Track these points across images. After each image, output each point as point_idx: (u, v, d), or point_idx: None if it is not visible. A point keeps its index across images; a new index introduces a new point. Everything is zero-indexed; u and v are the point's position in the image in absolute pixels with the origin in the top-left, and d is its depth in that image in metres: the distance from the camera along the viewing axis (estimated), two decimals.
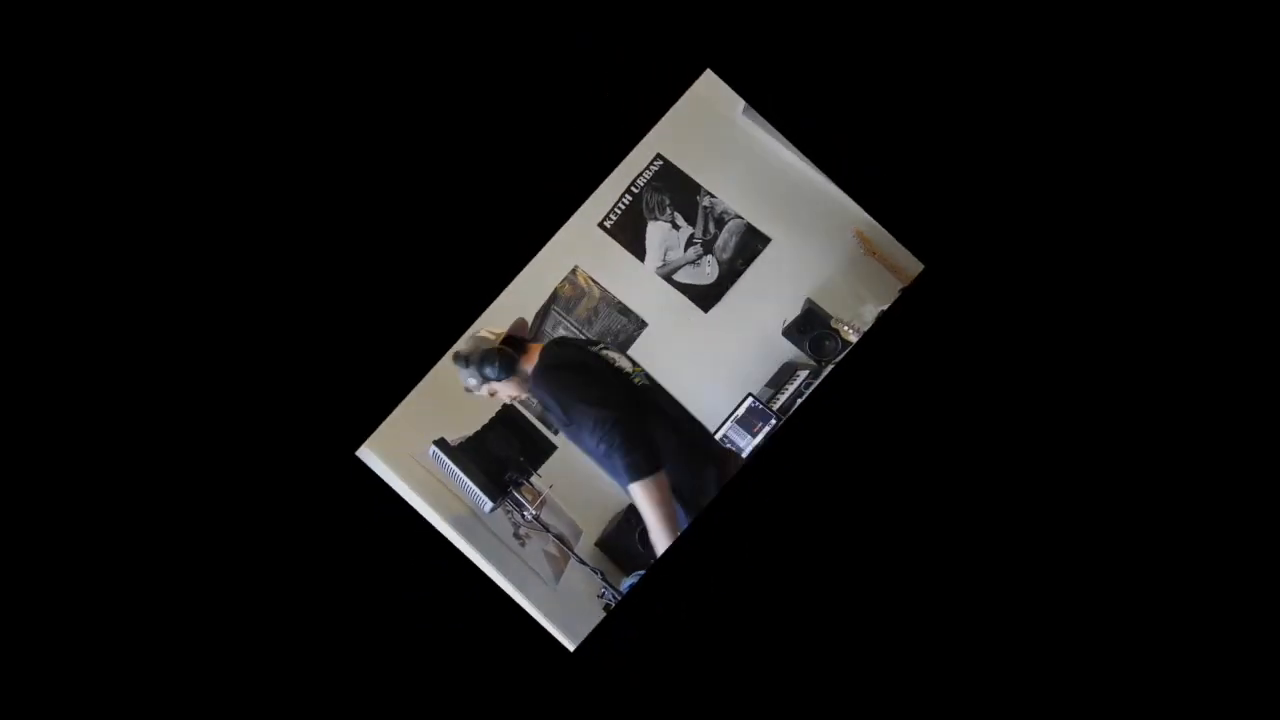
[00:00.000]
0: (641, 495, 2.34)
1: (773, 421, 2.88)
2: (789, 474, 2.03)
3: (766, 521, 2.03)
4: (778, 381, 3.27)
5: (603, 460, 2.40)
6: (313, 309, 2.02)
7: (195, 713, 2.01)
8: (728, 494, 2.10)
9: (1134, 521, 1.99)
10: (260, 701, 2.02)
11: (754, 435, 2.86)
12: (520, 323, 2.50)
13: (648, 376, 2.58)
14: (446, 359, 2.10)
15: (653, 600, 2.06)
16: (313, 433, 2.02)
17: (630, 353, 3.27)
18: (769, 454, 2.12)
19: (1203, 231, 1.99)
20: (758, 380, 3.34)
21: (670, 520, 2.36)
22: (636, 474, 2.33)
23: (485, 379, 2.46)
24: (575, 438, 2.47)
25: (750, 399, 2.94)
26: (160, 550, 2.02)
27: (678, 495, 2.37)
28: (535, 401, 2.62)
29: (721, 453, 2.66)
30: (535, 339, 2.65)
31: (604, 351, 2.60)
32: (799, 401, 3.00)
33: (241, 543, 2.01)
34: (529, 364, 2.50)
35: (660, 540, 2.38)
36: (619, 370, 2.51)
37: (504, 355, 2.41)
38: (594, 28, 2.03)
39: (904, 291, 2.18)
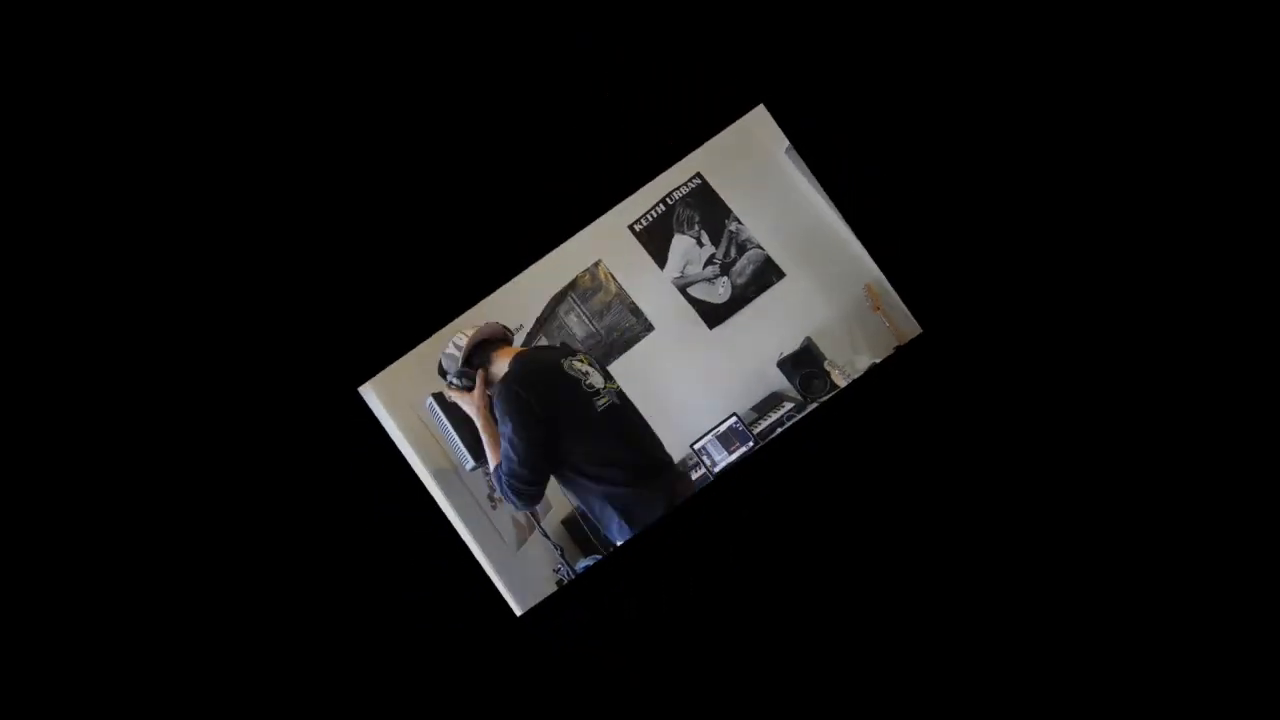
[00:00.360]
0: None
1: (750, 444, 2.94)
2: (754, 496, 2.11)
3: (724, 535, 2.10)
4: (763, 408, 3.31)
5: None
6: (359, 257, 2.12)
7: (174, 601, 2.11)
8: (691, 506, 2.18)
9: (1107, 588, 2.05)
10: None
11: (729, 453, 2.92)
12: (493, 326, 2.61)
13: (618, 396, 2.64)
14: (457, 323, 2.18)
15: (604, 584, 2.14)
16: (323, 361, 2.11)
17: (631, 353, 3.32)
18: (739, 473, 2.20)
19: (1184, 319, 2.06)
20: (744, 403, 3.36)
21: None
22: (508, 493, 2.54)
23: (454, 386, 2.63)
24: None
25: (734, 419, 2.99)
26: (165, 459, 2.11)
27: (624, 514, 2.53)
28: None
29: (675, 477, 2.70)
30: (511, 343, 2.69)
31: (576, 363, 2.63)
32: (778, 430, 3.07)
33: (231, 455, 2.10)
34: (501, 364, 2.61)
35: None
36: (585, 387, 2.59)
37: (467, 376, 2.59)
38: (663, 46, 2.10)
39: (898, 350, 2.24)
